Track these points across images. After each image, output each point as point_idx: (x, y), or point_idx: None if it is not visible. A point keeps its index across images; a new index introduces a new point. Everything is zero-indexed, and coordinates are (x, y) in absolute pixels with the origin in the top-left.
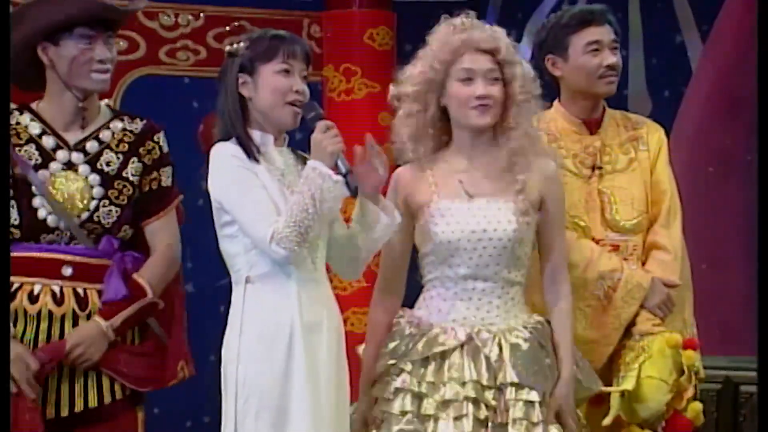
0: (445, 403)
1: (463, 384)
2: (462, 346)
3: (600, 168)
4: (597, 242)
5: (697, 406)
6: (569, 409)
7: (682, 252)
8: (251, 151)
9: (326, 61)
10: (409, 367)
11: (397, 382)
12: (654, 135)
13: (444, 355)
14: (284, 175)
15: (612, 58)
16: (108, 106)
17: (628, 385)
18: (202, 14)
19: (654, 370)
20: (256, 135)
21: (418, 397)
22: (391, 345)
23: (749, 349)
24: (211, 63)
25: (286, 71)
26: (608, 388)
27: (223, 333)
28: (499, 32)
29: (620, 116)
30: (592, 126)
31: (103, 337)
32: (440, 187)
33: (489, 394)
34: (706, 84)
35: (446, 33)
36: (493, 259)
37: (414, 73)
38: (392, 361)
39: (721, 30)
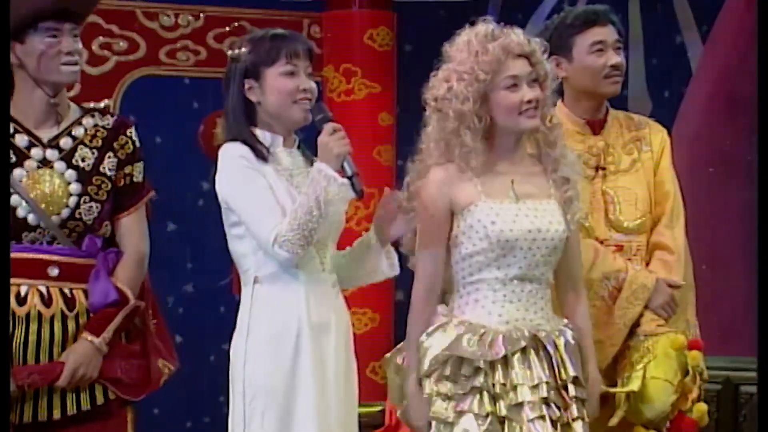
0: (517, 406)
1: (536, 386)
2: (524, 347)
3: (603, 168)
4: (601, 242)
5: (702, 406)
6: (595, 411)
7: (685, 252)
8: (260, 152)
9: (326, 62)
10: (482, 364)
11: (475, 382)
12: (657, 136)
13: (507, 358)
14: (292, 175)
15: (616, 58)
16: (80, 105)
17: (634, 386)
18: (202, 15)
19: (659, 371)
20: (265, 136)
21: (493, 399)
22: (448, 340)
23: (749, 349)
24: (212, 63)
25: (291, 72)
26: (614, 389)
27: (223, 333)
28: (522, 32)
29: (623, 117)
30: (596, 126)
31: (98, 353)
32: (486, 188)
33: (555, 394)
34: (706, 84)
35: (480, 42)
36: (544, 259)
37: (460, 89)
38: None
39: (721, 30)
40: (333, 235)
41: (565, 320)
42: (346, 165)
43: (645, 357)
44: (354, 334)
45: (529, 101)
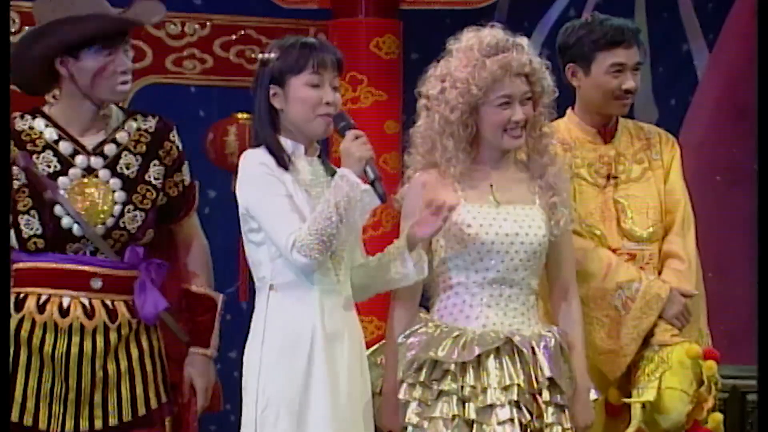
0: (486, 409)
1: (506, 388)
2: (498, 350)
3: (615, 177)
4: (613, 251)
5: (718, 416)
6: (588, 419)
7: (696, 261)
8: (281, 159)
9: None
10: (453, 367)
11: (443, 385)
12: (667, 144)
13: (480, 360)
14: (312, 186)
15: (631, 83)
16: (120, 107)
17: (650, 396)
18: (208, 23)
19: (675, 381)
20: (288, 144)
21: (461, 402)
22: (422, 344)
23: (756, 357)
24: (218, 72)
25: (316, 84)
26: (629, 399)
27: (229, 341)
28: (527, 46)
29: (633, 126)
30: (607, 135)
31: (212, 363)
32: (467, 192)
33: (527, 398)
34: (712, 92)
35: (480, 54)
36: (522, 264)
37: (451, 97)
38: (429, 361)
39: (727, 38)
40: (350, 247)
41: (552, 327)
42: (368, 169)
43: (660, 367)
44: None
45: (517, 122)
